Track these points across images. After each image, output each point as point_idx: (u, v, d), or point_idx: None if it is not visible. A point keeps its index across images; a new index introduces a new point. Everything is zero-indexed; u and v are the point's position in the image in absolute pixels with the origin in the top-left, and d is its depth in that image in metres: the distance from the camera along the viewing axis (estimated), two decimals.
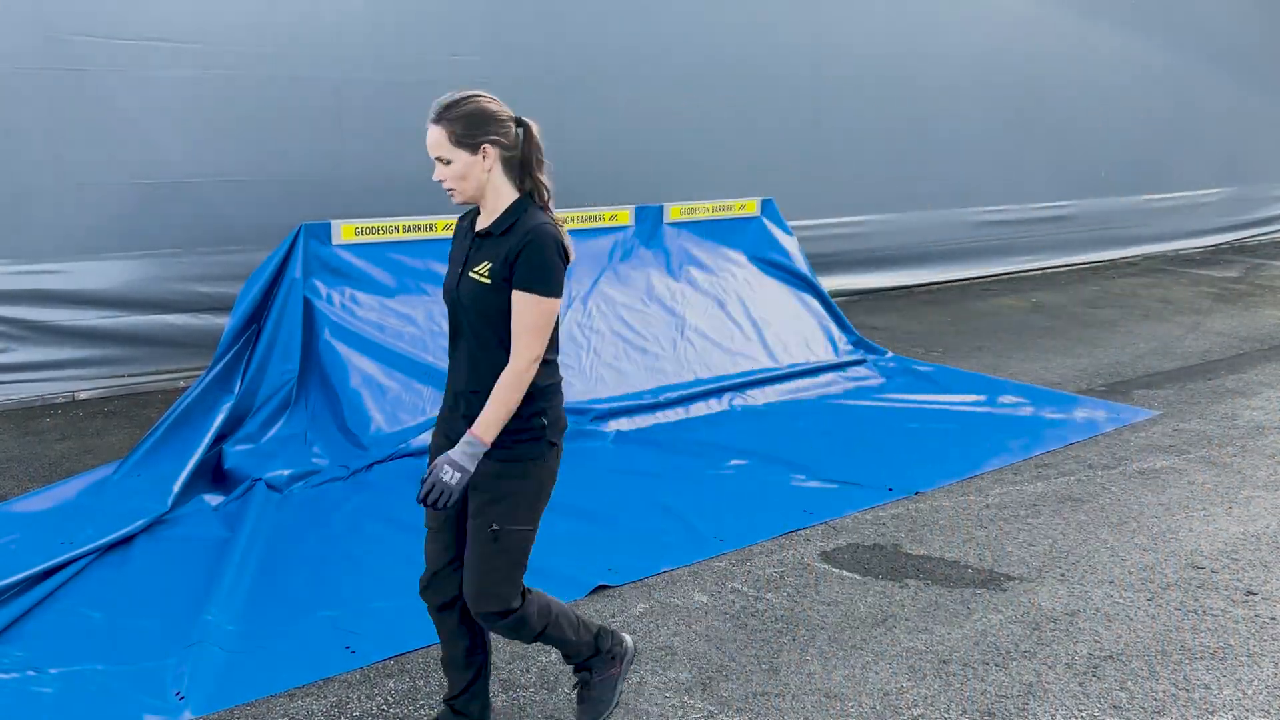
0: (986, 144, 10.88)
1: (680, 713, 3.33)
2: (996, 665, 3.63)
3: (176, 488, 4.78)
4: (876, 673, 3.58)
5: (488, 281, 2.75)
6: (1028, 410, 6.40)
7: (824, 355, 7.24)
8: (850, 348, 7.42)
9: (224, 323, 6.35)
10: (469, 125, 2.72)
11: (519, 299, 2.71)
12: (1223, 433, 6.11)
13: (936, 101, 10.37)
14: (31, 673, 3.47)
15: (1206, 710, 3.37)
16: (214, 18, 6.62)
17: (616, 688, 3.28)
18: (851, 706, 3.38)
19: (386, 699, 3.39)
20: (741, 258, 7.55)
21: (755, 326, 7.16)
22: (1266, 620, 3.95)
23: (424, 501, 2.71)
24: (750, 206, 7.69)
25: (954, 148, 10.61)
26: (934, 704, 3.39)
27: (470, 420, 2.77)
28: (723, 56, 8.90)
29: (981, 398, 6.64)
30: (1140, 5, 11.97)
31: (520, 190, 2.82)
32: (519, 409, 2.76)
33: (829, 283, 9.41)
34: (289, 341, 5.63)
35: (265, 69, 6.82)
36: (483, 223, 2.83)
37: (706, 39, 8.78)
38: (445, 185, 2.79)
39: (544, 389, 2.83)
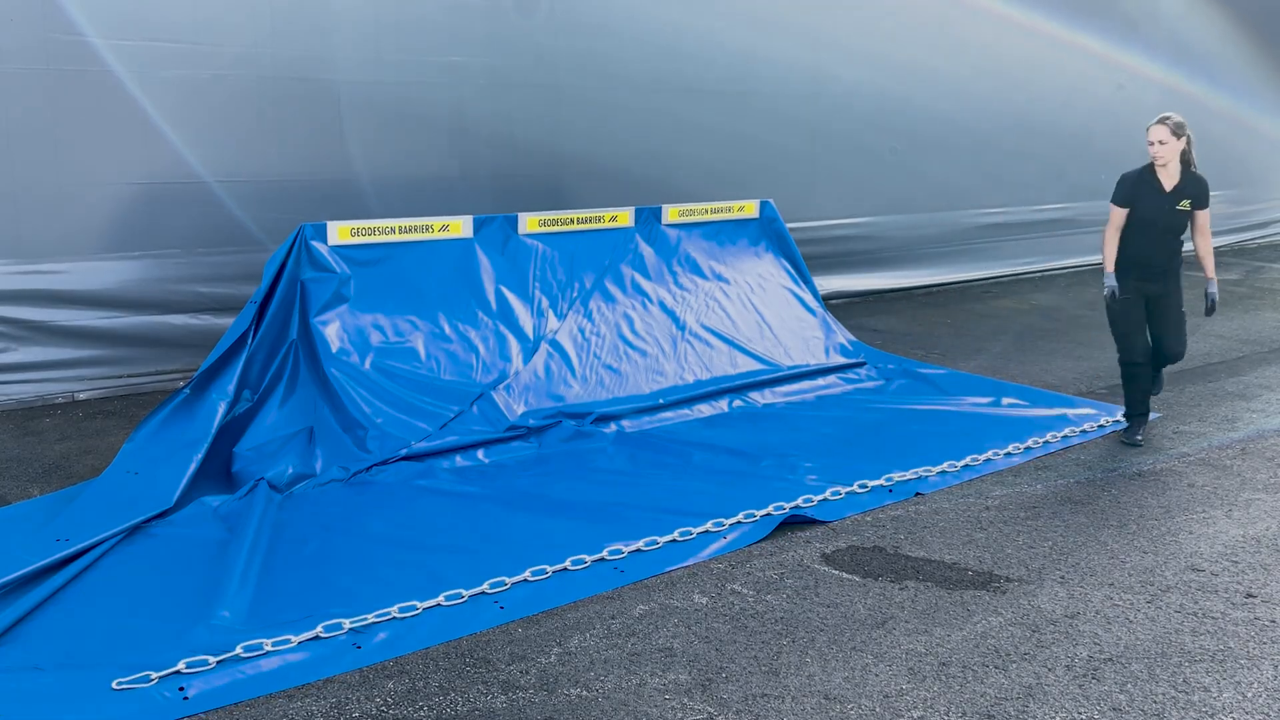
0: (986, 146, 10.88)
1: (680, 714, 3.33)
2: (996, 667, 3.63)
3: (177, 487, 4.77)
4: (876, 675, 3.58)
5: (1189, 210, 5.80)
6: (1028, 412, 6.40)
7: (823, 357, 7.24)
8: (850, 350, 7.42)
9: (224, 323, 6.36)
10: (1178, 127, 5.72)
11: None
12: (1222, 435, 6.11)
13: (936, 103, 10.37)
14: (32, 672, 3.47)
15: (1206, 713, 3.37)
16: (215, 18, 6.62)
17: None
18: (851, 709, 3.38)
19: (386, 700, 3.39)
20: (740, 260, 7.55)
21: (754, 328, 7.16)
22: (1266, 623, 3.95)
23: (1211, 310, 6.03)
24: (749, 208, 7.69)
25: (953, 150, 10.60)
26: (934, 706, 3.39)
27: (1160, 271, 5.91)
28: (722, 58, 8.91)
29: (981, 400, 6.64)
30: (1132, 15, 11.96)
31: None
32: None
33: (829, 284, 9.42)
34: (289, 343, 5.63)
35: (265, 69, 6.82)
36: (1170, 182, 5.81)
37: (705, 41, 8.78)
38: (1157, 157, 5.75)
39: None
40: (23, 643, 3.65)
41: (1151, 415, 6.43)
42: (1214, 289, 5.98)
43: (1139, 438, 5.95)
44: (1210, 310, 5.97)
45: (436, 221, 6.30)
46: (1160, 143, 5.73)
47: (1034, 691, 3.48)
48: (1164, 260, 5.88)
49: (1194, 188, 5.81)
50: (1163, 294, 5.92)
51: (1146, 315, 5.96)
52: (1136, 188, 5.92)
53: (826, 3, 9.50)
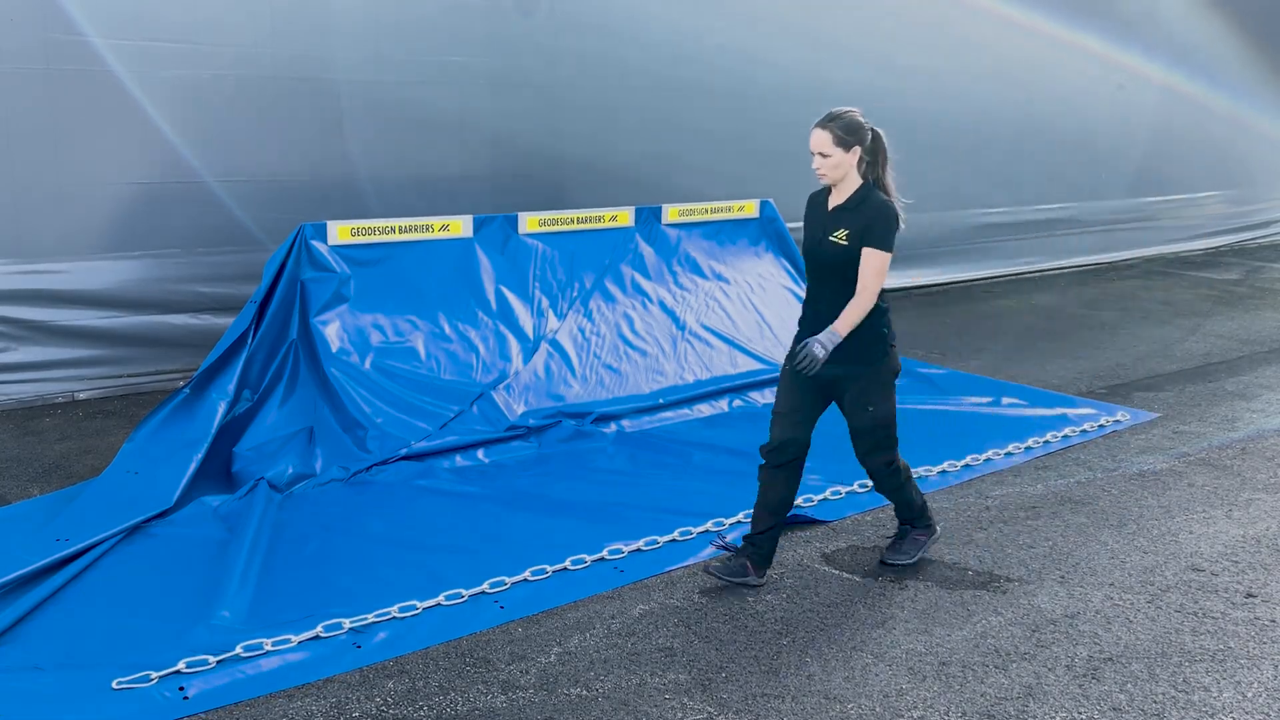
0: (986, 146, 10.88)
1: (680, 714, 3.33)
2: (996, 667, 3.63)
3: (177, 487, 4.77)
4: (876, 674, 3.58)
5: (845, 243, 3.93)
6: (1028, 412, 6.40)
7: None
8: None
9: (224, 323, 6.36)
10: (848, 131, 3.94)
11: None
12: (1223, 435, 6.11)
13: (936, 104, 10.37)
14: (32, 672, 3.47)
15: (1206, 713, 3.37)
16: (215, 18, 6.62)
17: (920, 550, 4.36)
18: (851, 708, 3.38)
19: (385, 699, 3.39)
20: (740, 259, 7.55)
21: (754, 328, 7.16)
22: (1266, 623, 3.95)
23: (796, 364, 3.90)
24: (749, 208, 7.69)
25: (953, 150, 10.60)
26: (934, 706, 3.39)
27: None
28: (722, 58, 8.90)
29: (981, 399, 6.64)
30: (1131, 15, 11.96)
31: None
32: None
33: None
34: (289, 343, 5.63)
35: (265, 69, 6.82)
36: (836, 200, 4.05)
37: (705, 41, 8.78)
38: (820, 172, 4.00)
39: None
40: (23, 643, 3.65)
41: (1149, 416, 6.42)
42: (819, 341, 3.86)
43: (751, 581, 4.14)
44: (801, 365, 3.88)
45: (436, 221, 6.30)
46: (821, 155, 3.97)
47: (1034, 691, 3.48)
48: (834, 320, 3.94)
49: (860, 215, 3.93)
50: (844, 376, 4.02)
51: (823, 402, 4.14)
52: (809, 211, 4.25)
53: (826, 3, 9.49)
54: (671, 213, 7.29)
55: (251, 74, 6.78)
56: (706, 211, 7.48)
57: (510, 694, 3.44)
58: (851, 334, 3.90)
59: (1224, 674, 3.60)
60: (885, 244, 3.91)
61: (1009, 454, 5.69)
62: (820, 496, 5.03)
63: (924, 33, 10.15)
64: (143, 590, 4.07)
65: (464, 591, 4.06)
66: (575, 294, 6.63)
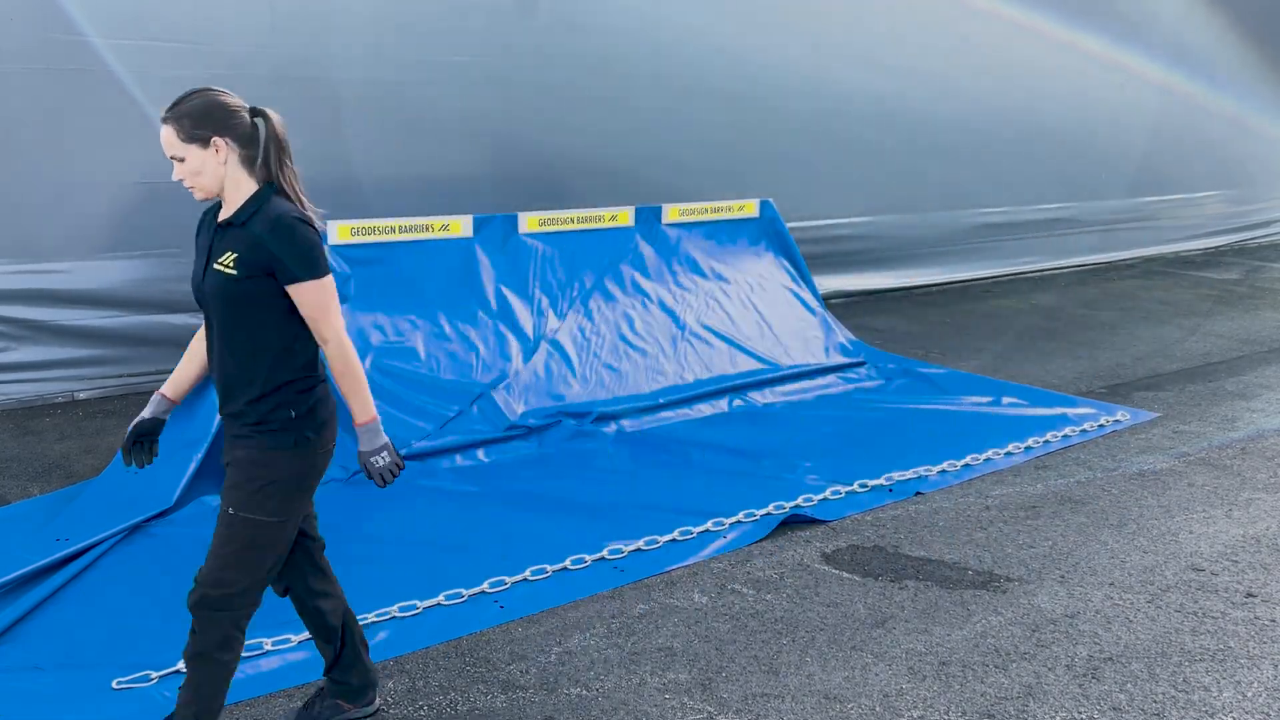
0: (986, 146, 10.88)
1: (679, 714, 3.33)
2: (996, 667, 3.63)
3: (177, 487, 4.77)
4: (876, 674, 3.58)
5: (233, 272, 2.76)
6: (1028, 412, 6.40)
7: (823, 357, 7.24)
8: (850, 349, 7.42)
9: None
10: (197, 121, 2.84)
11: (297, 289, 2.75)
12: (1223, 435, 6.11)
13: (936, 103, 10.37)
14: (32, 672, 3.47)
15: (1206, 713, 3.37)
16: (215, 18, 6.62)
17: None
18: (851, 708, 3.38)
19: (385, 699, 3.39)
20: (740, 259, 7.55)
21: (754, 328, 7.16)
22: (1266, 623, 3.95)
23: (373, 477, 3.02)
24: (749, 208, 7.69)
25: (953, 150, 10.60)
26: (933, 705, 3.39)
27: (231, 415, 2.87)
28: (722, 58, 8.90)
29: (981, 399, 6.64)
30: (1132, 16, 11.96)
31: (260, 181, 2.84)
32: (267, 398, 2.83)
33: (829, 283, 9.42)
34: None
35: (265, 68, 6.82)
36: (224, 214, 2.87)
37: (706, 40, 8.78)
38: (185, 183, 2.90)
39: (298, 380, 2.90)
40: (23, 643, 3.65)
41: (1149, 416, 6.42)
42: (371, 446, 3.11)
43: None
44: (374, 476, 3.10)
45: (436, 221, 6.31)
46: (176, 160, 2.95)
47: (1034, 691, 3.48)
48: (226, 386, 2.88)
49: (250, 235, 2.77)
50: (230, 462, 2.90)
51: None
52: (198, 229, 3.07)
53: (827, 3, 9.49)
54: (671, 212, 7.29)
55: (251, 74, 6.78)
56: (706, 211, 7.48)
57: (510, 694, 3.44)
58: (252, 401, 2.84)
59: (1224, 674, 3.60)
60: (314, 269, 2.76)
61: (1009, 454, 5.69)
62: (820, 496, 5.03)
63: (924, 33, 10.15)
64: (143, 590, 4.06)
65: (464, 591, 4.06)
66: (575, 294, 6.63)
